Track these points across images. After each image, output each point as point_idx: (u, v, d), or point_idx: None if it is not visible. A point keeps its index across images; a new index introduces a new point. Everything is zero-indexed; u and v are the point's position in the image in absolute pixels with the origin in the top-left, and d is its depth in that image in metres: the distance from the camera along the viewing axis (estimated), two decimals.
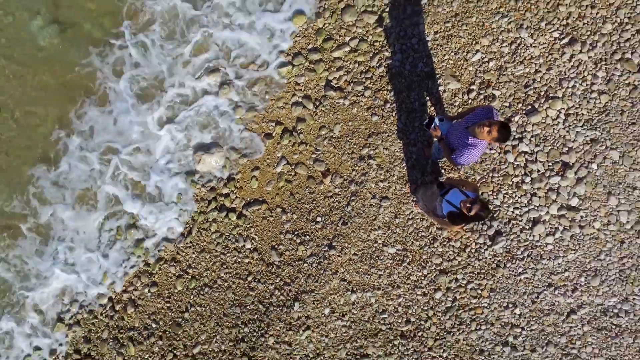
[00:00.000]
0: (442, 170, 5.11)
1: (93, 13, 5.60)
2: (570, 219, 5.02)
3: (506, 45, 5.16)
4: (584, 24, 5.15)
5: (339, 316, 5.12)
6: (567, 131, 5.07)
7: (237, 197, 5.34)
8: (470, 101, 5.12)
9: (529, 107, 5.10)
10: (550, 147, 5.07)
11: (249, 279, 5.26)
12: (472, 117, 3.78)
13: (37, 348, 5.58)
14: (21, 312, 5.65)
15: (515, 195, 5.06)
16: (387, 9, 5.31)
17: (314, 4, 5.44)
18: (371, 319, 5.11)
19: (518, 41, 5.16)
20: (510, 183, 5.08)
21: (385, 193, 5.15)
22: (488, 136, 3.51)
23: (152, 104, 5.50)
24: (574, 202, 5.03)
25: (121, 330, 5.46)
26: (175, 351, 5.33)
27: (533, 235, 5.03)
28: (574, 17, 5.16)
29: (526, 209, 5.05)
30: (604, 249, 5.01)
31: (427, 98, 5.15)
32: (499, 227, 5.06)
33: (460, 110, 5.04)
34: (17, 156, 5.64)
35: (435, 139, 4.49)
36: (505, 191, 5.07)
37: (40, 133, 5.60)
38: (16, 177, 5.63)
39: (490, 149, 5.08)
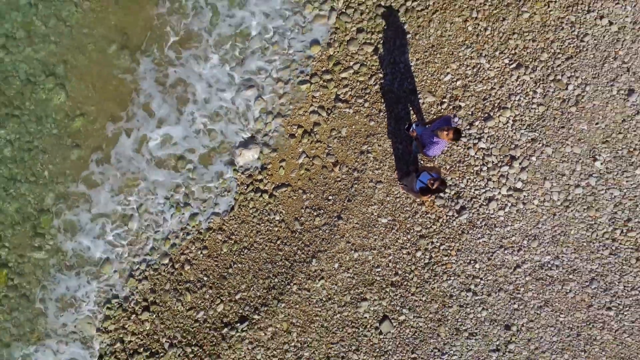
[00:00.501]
0: (421, 162, 6.88)
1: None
2: (516, 198, 6.79)
3: (469, 69, 6.94)
4: (527, 53, 6.93)
5: (345, 269, 6.88)
6: (514, 133, 6.85)
7: (268, 181, 7.10)
8: (442, 111, 6.90)
9: (486, 115, 6.87)
10: (501, 145, 6.84)
11: (278, 242, 7.02)
12: (437, 124, 5.55)
13: (116, 296, 7.32)
14: (100, 270, 7.40)
15: (476, 180, 6.83)
16: (381, 42, 7.09)
17: (326, 36, 7.21)
18: (369, 271, 6.87)
19: (478, 66, 6.94)
20: (472, 171, 6.85)
21: (379, 178, 6.92)
22: (446, 137, 5.28)
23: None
24: (519, 185, 6.80)
25: (179, 283, 7.21)
26: (221, 297, 7.09)
27: (489, 210, 6.80)
28: (520, 48, 6.94)
29: (483, 190, 6.82)
30: (541, 220, 6.78)
31: (410, 108, 6.92)
32: (464, 204, 6.83)
33: (432, 117, 6.81)
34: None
35: (414, 140, 6.26)
36: (468, 177, 6.84)
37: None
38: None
39: (457, 145, 6.84)
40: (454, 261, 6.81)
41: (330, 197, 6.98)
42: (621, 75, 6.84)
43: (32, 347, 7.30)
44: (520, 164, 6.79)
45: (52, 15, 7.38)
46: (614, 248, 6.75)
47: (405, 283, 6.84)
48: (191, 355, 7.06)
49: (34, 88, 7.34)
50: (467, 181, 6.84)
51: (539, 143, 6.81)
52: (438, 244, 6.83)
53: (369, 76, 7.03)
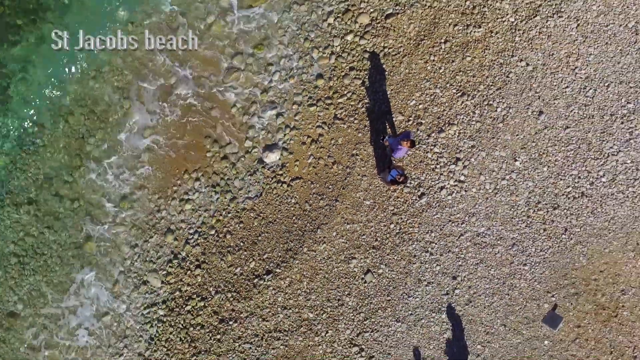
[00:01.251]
0: (393, 162, 9.79)
1: None
2: (460, 187, 9.70)
3: (428, 96, 9.85)
4: (469, 85, 9.84)
5: (340, 237, 9.78)
6: (459, 141, 9.75)
7: (287, 175, 10.00)
8: (408, 126, 9.80)
9: (440, 128, 9.78)
10: (450, 150, 9.75)
11: (293, 218, 9.92)
12: (401, 137, 8.45)
13: (176, 258, 10.21)
14: (164, 239, 10.28)
15: (432, 174, 9.74)
16: (367, 77, 10.00)
17: (328, 72, 10.12)
18: (357, 238, 9.78)
19: (435, 94, 9.85)
20: (429, 168, 9.75)
21: (364, 173, 9.82)
22: (406, 145, 8.18)
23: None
24: (462, 178, 9.71)
25: (222, 248, 10.11)
26: (253, 257, 9.99)
27: (441, 195, 9.70)
28: (464, 81, 9.85)
29: (437, 181, 9.72)
30: (477, 202, 9.68)
31: (386, 124, 9.83)
32: (423, 191, 9.73)
33: (400, 131, 9.72)
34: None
35: (386, 147, 9.17)
36: (426, 172, 9.75)
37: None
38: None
39: (418, 150, 9.73)
40: (416, 231, 9.71)
41: (330, 186, 9.88)
42: (534, 101, 9.75)
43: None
44: (463, 163, 9.70)
45: None
46: (528, 222, 9.66)
47: (382, 247, 9.74)
48: (231, 299, 9.95)
49: None
50: (426, 175, 9.74)
51: (476, 149, 9.71)
52: (405, 219, 9.73)
53: (358, 101, 9.95)
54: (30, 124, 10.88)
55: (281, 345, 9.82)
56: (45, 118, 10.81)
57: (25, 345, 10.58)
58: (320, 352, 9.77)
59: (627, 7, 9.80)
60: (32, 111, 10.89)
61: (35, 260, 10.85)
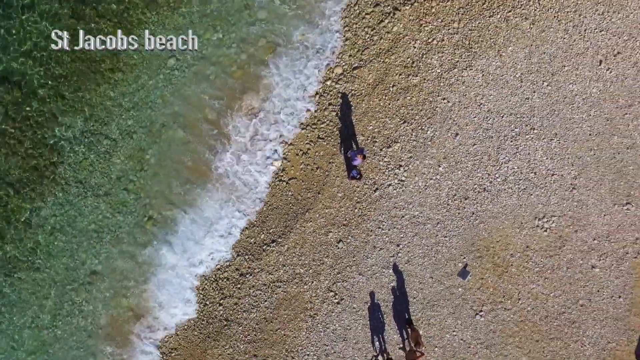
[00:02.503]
0: (355, 165, 14.52)
1: None
2: (401, 185, 14.41)
3: (381, 124, 14.58)
4: (409, 115, 14.56)
5: (321, 218, 14.49)
6: (402, 154, 14.48)
7: (285, 176, 14.73)
8: (366, 143, 14.52)
9: (388, 145, 14.51)
10: (395, 159, 14.47)
11: (290, 204, 14.63)
12: (358, 151, 13.22)
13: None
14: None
15: (383, 175, 14.47)
16: (340, 110, 14.75)
17: (314, 107, 14.87)
18: (333, 218, 14.48)
19: (385, 122, 14.58)
20: (382, 172, 14.47)
21: (338, 175, 14.55)
22: (360, 157, 12.95)
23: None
24: (403, 178, 14.43)
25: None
26: (262, 231, 14.70)
27: (389, 190, 14.42)
28: (405, 113, 14.57)
29: (387, 180, 14.45)
30: (413, 195, 14.39)
31: (352, 142, 14.58)
32: (377, 187, 14.45)
33: (359, 147, 14.44)
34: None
35: (349, 157, 13.96)
36: (379, 175, 14.47)
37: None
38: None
39: (372, 160, 14.44)
40: (372, 214, 14.43)
41: (314, 184, 14.64)
42: (452, 126, 14.46)
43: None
44: (403, 168, 14.43)
45: None
46: (448, 208, 14.36)
47: (349, 224, 14.47)
48: (247, 259, 14.65)
49: None
50: (379, 176, 14.48)
51: (413, 159, 14.45)
52: (365, 206, 14.46)
53: (334, 126, 14.70)
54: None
55: (281, 291, 14.55)
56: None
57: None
58: (308, 296, 14.49)
59: (515, 62, 14.54)
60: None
61: (110, 235, 15.61)
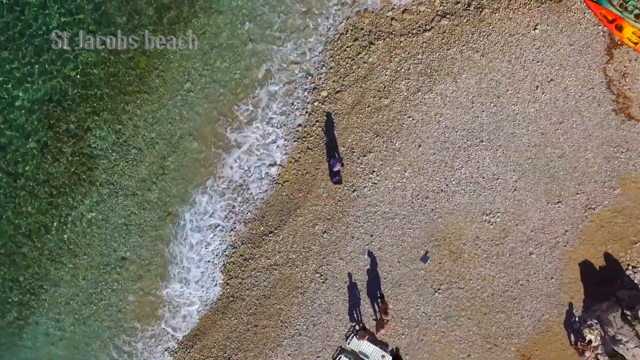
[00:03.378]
0: (335, 171, 17.89)
1: None
2: (375, 187, 17.76)
3: (358, 137, 17.92)
4: (381, 130, 17.93)
5: (309, 213, 17.84)
6: (374, 162, 17.82)
7: (281, 179, 18.09)
8: (346, 153, 17.90)
9: (364, 154, 17.86)
10: (369, 166, 17.82)
11: (284, 202, 18.00)
12: (339, 160, 16.59)
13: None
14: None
15: (359, 179, 17.83)
16: (325, 126, 18.12)
17: (304, 122, 18.25)
18: (319, 214, 17.83)
19: (362, 136, 17.94)
20: (358, 176, 17.82)
21: (323, 178, 17.91)
22: (339, 164, 16.34)
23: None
24: (375, 182, 17.79)
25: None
26: (262, 224, 18.07)
27: (364, 191, 17.78)
28: (378, 129, 17.92)
29: (362, 183, 17.80)
30: (384, 195, 17.74)
31: (335, 152, 17.94)
32: (355, 189, 17.80)
33: (340, 157, 17.82)
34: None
35: (330, 165, 17.36)
36: (356, 179, 17.82)
37: None
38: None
39: (352, 166, 17.80)
40: (351, 210, 17.79)
41: (304, 185, 18.00)
42: (416, 139, 17.79)
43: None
44: (376, 173, 17.78)
45: None
46: (412, 205, 17.69)
47: (332, 219, 17.82)
48: (250, 247, 18.04)
49: None
50: (356, 180, 17.84)
51: (384, 165, 17.81)
52: (345, 204, 17.81)
53: (320, 139, 18.06)
54: None
55: (277, 273, 17.93)
56: None
57: None
58: (299, 276, 17.86)
59: (468, 87, 17.85)
60: None
61: (137, 227, 19.00)
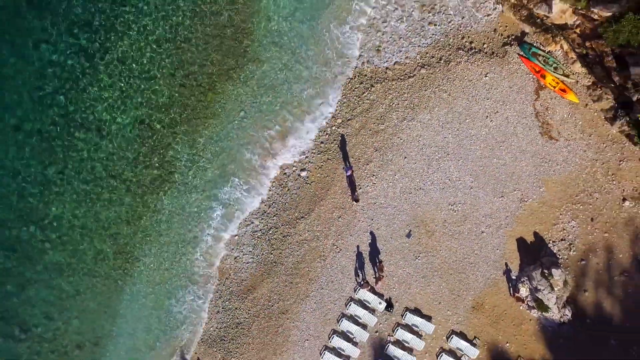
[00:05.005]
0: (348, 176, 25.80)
1: None
2: (375, 186, 25.64)
3: (363, 152, 25.84)
4: (379, 146, 25.84)
5: (329, 204, 25.74)
6: (374, 169, 25.71)
7: (309, 180, 25.97)
8: (355, 162, 25.80)
9: (367, 163, 25.75)
10: (370, 171, 25.71)
11: (312, 197, 25.89)
12: (349, 167, 24.52)
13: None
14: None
15: (364, 181, 25.71)
16: (340, 143, 26.04)
17: (322, 147, 26.15)
18: (335, 205, 25.74)
19: (366, 150, 25.86)
20: (362, 178, 25.72)
21: (340, 180, 25.81)
22: (350, 170, 24.25)
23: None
24: (375, 182, 25.67)
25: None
26: (299, 217, 25.99)
27: (367, 189, 25.65)
28: (376, 144, 25.84)
29: (366, 184, 25.68)
30: (381, 191, 25.62)
31: (347, 162, 25.85)
32: (360, 187, 25.69)
33: (352, 164, 25.71)
34: None
35: (347, 171, 25.29)
36: (361, 180, 25.72)
37: None
38: None
39: (359, 171, 25.69)
40: (359, 202, 25.67)
41: (325, 185, 25.87)
42: (401, 153, 25.69)
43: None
44: (375, 177, 25.67)
45: None
46: (401, 199, 25.57)
47: (345, 208, 25.69)
48: (284, 230, 25.96)
49: None
50: (361, 181, 25.73)
51: (381, 171, 25.69)
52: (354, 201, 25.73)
53: (336, 153, 25.95)
54: None
55: (306, 245, 25.76)
56: None
57: None
58: (321, 248, 25.69)
59: (439, 117, 25.73)
60: None
61: (205, 214, 26.88)
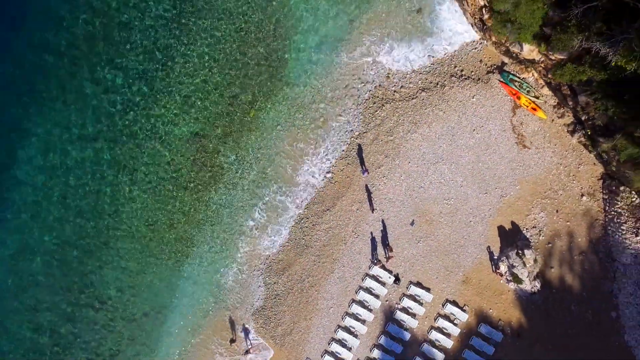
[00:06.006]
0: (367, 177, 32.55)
1: None
2: (385, 185, 32.40)
3: (374, 163, 32.60)
4: (388, 153, 32.62)
5: (349, 199, 32.49)
6: (385, 171, 32.45)
7: (333, 179, 32.69)
8: (370, 166, 32.54)
9: (379, 167, 32.48)
10: (382, 173, 32.46)
11: (335, 193, 32.66)
12: (365, 170, 31.26)
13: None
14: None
15: (376, 180, 32.45)
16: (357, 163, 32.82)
17: (344, 154, 32.91)
18: (354, 199, 32.49)
19: (377, 159, 32.62)
20: (375, 178, 32.45)
21: (358, 181, 32.53)
22: (367, 172, 30.98)
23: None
24: (385, 182, 32.42)
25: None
26: (327, 208, 32.71)
27: (378, 187, 32.38)
28: (387, 149, 32.61)
29: (378, 182, 32.41)
30: (389, 189, 32.37)
31: (364, 167, 32.60)
32: (374, 185, 32.41)
33: (368, 167, 32.44)
34: None
35: (364, 173, 32.05)
36: (374, 180, 32.45)
37: None
38: None
39: (373, 172, 32.42)
40: (372, 198, 32.40)
41: (346, 184, 32.60)
42: (411, 159, 32.45)
43: None
44: (386, 177, 32.40)
45: None
46: (407, 195, 32.32)
47: (362, 201, 32.41)
48: (314, 221, 32.69)
49: None
50: (374, 181, 32.46)
51: (390, 173, 32.41)
52: (369, 194, 32.43)
53: (355, 158, 32.68)
54: None
55: (331, 232, 32.45)
56: None
57: None
58: (343, 234, 32.38)
59: (436, 131, 32.46)
60: None
61: (249, 207, 33.62)
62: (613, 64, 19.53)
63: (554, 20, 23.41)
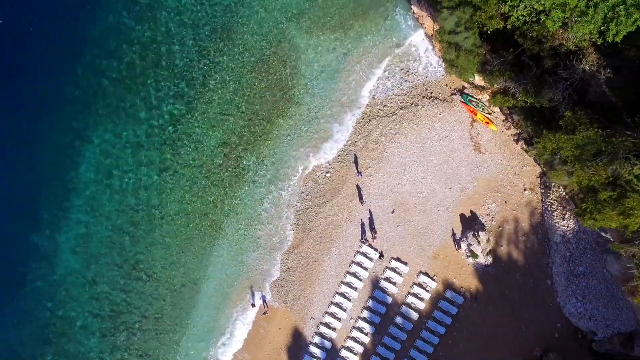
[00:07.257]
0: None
1: None
2: (372, 183, 41.71)
3: (366, 162, 41.95)
4: (377, 158, 41.95)
5: (345, 192, 41.81)
6: (371, 172, 41.78)
7: (332, 177, 41.98)
8: (362, 169, 41.88)
9: (367, 168, 41.80)
10: (370, 174, 41.78)
11: (334, 189, 41.99)
12: (360, 172, 40.56)
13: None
14: None
15: (367, 179, 41.80)
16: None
17: (339, 158, 42.26)
18: (350, 192, 41.82)
19: (369, 163, 41.93)
20: (365, 178, 41.76)
21: (351, 181, 41.87)
22: (360, 174, 40.28)
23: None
24: (372, 180, 41.72)
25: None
26: (327, 201, 42.04)
27: (368, 183, 41.71)
28: (375, 161, 41.97)
29: (367, 182, 41.75)
30: (377, 187, 41.69)
31: (358, 169, 41.94)
32: (363, 182, 41.73)
33: (361, 170, 41.76)
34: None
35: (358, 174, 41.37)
36: (365, 179, 41.78)
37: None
38: None
39: (363, 174, 41.71)
40: (362, 192, 41.70)
41: (342, 182, 41.87)
42: (393, 164, 41.75)
43: None
44: (374, 177, 41.69)
45: None
46: (388, 191, 41.64)
47: (354, 196, 41.71)
48: (315, 211, 42.03)
49: None
50: (364, 179, 41.77)
51: (376, 173, 41.77)
52: (360, 190, 41.74)
53: (349, 162, 42.04)
54: None
55: (330, 219, 41.73)
56: None
57: None
58: (338, 221, 41.63)
59: (411, 140, 41.78)
60: None
61: (269, 195, 42.93)
62: (518, 98, 28.90)
63: (489, 62, 32.77)
